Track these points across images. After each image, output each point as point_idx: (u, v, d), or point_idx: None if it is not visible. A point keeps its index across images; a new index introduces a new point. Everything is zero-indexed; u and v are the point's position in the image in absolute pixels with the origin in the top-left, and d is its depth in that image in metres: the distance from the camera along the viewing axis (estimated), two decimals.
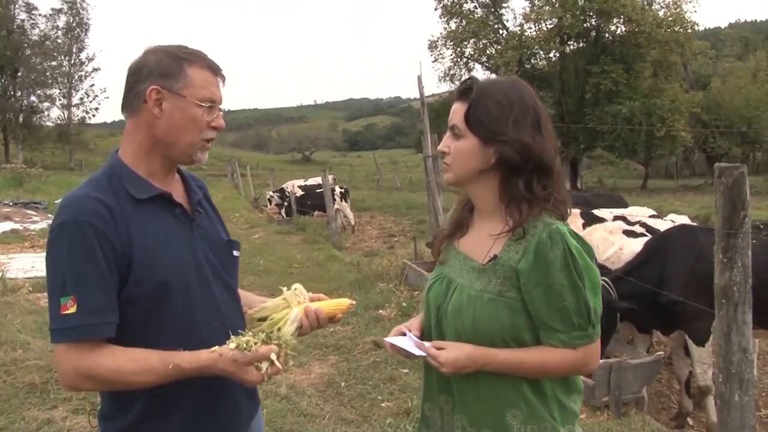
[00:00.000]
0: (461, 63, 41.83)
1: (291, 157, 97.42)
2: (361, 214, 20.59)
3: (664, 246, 4.85)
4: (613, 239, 5.49)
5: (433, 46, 41.95)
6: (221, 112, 1.77)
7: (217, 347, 1.59)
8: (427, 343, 1.71)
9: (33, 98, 48.89)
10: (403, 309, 6.97)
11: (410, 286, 8.13)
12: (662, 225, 5.64)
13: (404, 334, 1.78)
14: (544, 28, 38.59)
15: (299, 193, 17.70)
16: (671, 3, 37.58)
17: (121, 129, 1.80)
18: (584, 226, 5.91)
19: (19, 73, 47.43)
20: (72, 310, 1.53)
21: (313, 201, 16.84)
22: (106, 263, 1.57)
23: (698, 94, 40.35)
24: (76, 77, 51.44)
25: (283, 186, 19.38)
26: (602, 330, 1.69)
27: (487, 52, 40.75)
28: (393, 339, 1.77)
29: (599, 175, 50.02)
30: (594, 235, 5.55)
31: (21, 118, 46.85)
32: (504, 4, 41.09)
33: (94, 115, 52.51)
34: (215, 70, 1.75)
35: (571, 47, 40.14)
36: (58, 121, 50.37)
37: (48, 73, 48.87)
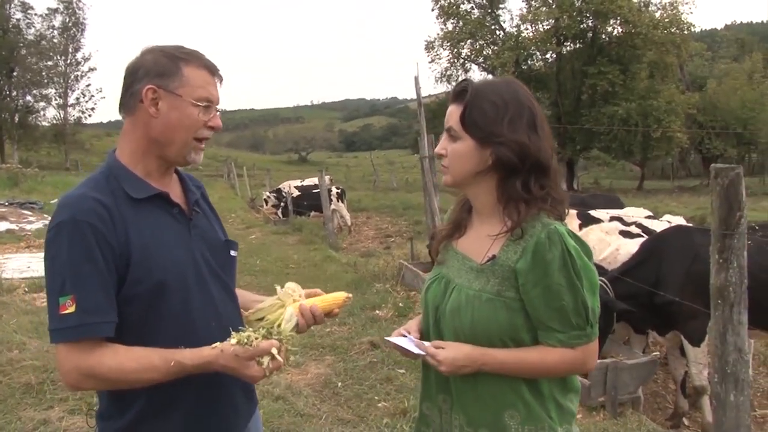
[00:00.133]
0: (458, 64, 41.89)
1: (287, 157, 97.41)
2: (358, 214, 20.60)
3: (660, 247, 4.87)
4: (609, 240, 5.50)
5: (429, 46, 42.00)
6: (218, 112, 1.77)
7: (218, 343, 1.59)
8: (426, 343, 1.72)
9: (29, 98, 48.75)
10: (399, 309, 6.97)
11: (407, 286, 8.13)
12: (658, 226, 5.65)
13: (405, 337, 1.80)
14: (541, 29, 38.66)
15: (296, 193, 17.71)
16: (668, 4, 37.66)
17: (117, 129, 1.81)
18: (581, 226, 5.92)
19: (15, 73, 47.28)
20: (71, 309, 1.53)
21: (309, 201, 16.84)
22: (105, 263, 1.57)
23: (694, 95, 40.42)
24: (72, 77, 51.31)
25: (280, 186, 19.39)
26: (599, 330, 1.70)
27: (484, 53, 40.79)
28: (394, 339, 1.78)
29: (595, 176, 50.13)
30: (590, 235, 5.56)
31: (17, 118, 46.73)
32: (501, 5, 41.19)
33: (90, 115, 52.48)
34: (212, 70, 1.76)
35: (568, 48, 40.21)
36: (54, 121, 50.22)
37: (44, 73, 48.71)
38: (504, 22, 41.90)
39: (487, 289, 1.67)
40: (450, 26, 41.07)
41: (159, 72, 1.68)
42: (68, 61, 51.05)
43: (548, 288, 1.59)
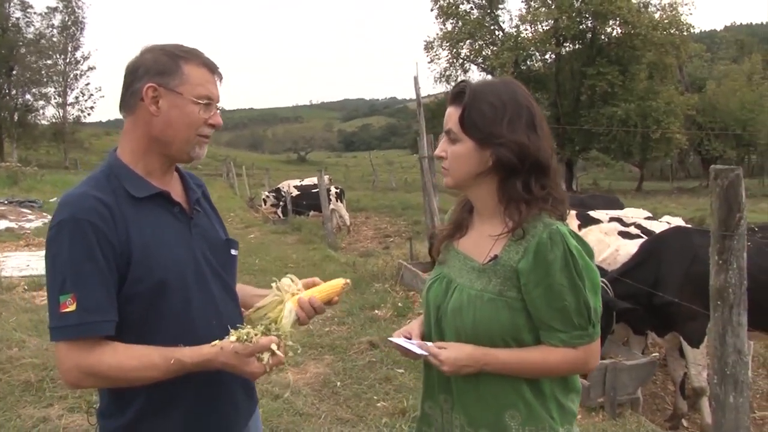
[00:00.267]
0: (457, 64, 41.85)
1: (286, 157, 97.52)
2: (357, 214, 20.60)
3: (659, 248, 4.87)
4: (608, 241, 5.50)
5: (429, 47, 41.97)
6: (218, 110, 1.77)
7: (217, 341, 1.60)
8: (428, 343, 1.73)
9: (28, 97, 48.77)
10: (398, 309, 6.97)
11: (406, 286, 8.13)
12: (657, 227, 5.65)
13: (408, 338, 1.80)
14: (540, 30, 38.61)
15: (295, 193, 17.70)
16: (667, 5, 37.62)
17: (117, 128, 1.81)
18: (580, 227, 5.92)
19: (14, 72, 47.30)
20: (71, 308, 1.53)
21: (308, 201, 16.84)
22: (106, 261, 1.57)
23: (693, 96, 40.41)
24: (72, 76, 51.31)
25: (279, 186, 19.38)
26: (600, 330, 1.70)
27: (483, 53, 40.74)
28: (396, 339, 1.79)
29: (594, 177, 50.17)
30: (589, 236, 5.55)
31: (16, 117, 46.74)
32: (500, 6, 41.12)
33: (89, 114, 52.40)
34: (212, 68, 1.76)
35: (567, 49, 40.19)
36: (53, 120, 50.21)
37: (43, 72, 48.72)
38: (503, 22, 41.86)
39: (489, 289, 1.67)
40: (449, 26, 41.04)
41: (159, 70, 1.68)
42: (67, 60, 51.06)
43: (550, 288, 1.59)
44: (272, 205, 18.58)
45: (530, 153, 1.65)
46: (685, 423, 5.01)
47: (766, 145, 43.33)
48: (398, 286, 8.20)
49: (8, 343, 5.48)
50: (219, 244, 1.86)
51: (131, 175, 1.70)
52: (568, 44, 39.87)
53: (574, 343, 1.63)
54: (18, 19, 48.65)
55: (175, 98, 1.68)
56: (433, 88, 42.98)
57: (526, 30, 39.67)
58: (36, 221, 14.07)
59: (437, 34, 41.42)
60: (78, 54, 51.80)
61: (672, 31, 36.52)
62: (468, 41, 40.75)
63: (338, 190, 17.10)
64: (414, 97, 8.88)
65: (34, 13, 49.46)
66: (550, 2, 37.76)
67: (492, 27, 41.21)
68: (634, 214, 6.47)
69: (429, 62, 42.65)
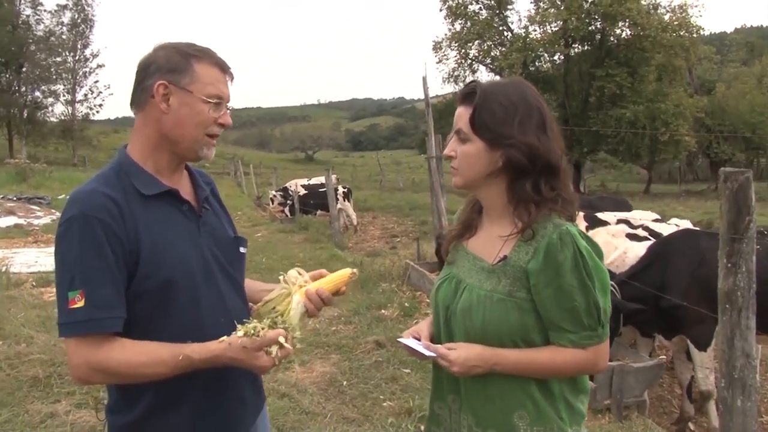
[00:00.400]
0: (465, 64, 41.78)
1: (294, 156, 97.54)
2: (364, 214, 20.59)
3: (666, 250, 4.85)
4: (615, 243, 5.48)
5: (437, 47, 41.93)
6: (228, 110, 1.78)
7: (225, 337, 1.60)
8: (437, 345, 1.73)
9: (37, 94, 48.87)
10: (405, 309, 6.97)
11: (412, 286, 8.13)
12: (665, 229, 5.63)
13: (417, 338, 1.80)
14: (549, 31, 38.50)
15: (302, 192, 17.71)
16: (677, 7, 37.41)
17: (125, 126, 1.82)
18: (587, 228, 5.91)
19: (24, 69, 47.45)
20: (80, 304, 1.54)
21: (316, 200, 16.84)
22: (115, 258, 1.58)
23: (703, 98, 40.17)
24: (81, 73, 51.42)
25: (287, 185, 19.39)
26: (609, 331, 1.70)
27: (492, 53, 40.67)
28: (405, 340, 1.79)
29: (602, 179, 50.00)
30: (596, 238, 5.53)
31: (25, 114, 46.87)
32: (509, 6, 41.01)
33: (98, 112, 52.56)
34: (223, 68, 1.76)
35: (576, 50, 40.06)
36: (62, 117, 50.36)
37: (52, 69, 48.84)
38: (512, 23, 41.73)
39: (499, 290, 1.67)
40: (458, 27, 40.97)
41: (171, 68, 1.68)
42: (77, 58, 51.17)
43: (560, 288, 1.59)
44: (279, 204, 18.57)
45: (540, 154, 1.65)
46: (692, 426, 4.99)
47: None
48: (405, 286, 8.21)
49: (16, 339, 5.51)
50: (227, 242, 1.86)
51: (140, 173, 1.71)
52: (576, 45, 39.75)
53: (583, 343, 1.63)
54: (28, 16, 48.91)
55: (186, 96, 1.68)
56: (441, 88, 43.02)
57: (535, 31, 39.60)
58: (44, 218, 14.13)
59: (446, 35, 41.41)
60: (87, 51, 51.98)
61: (682, 33, 36.35)
62: (477, 42, 40.69)
63: (345, 190, 17.10)
64: (422, 97, 8.88)
65: (44, 10, 49.70)
66: (559, 3, 37.66)
67: (501, 28, 41.13)
68: (642, 216, 6.45)
69: (437, 62, 42.63)
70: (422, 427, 4.04)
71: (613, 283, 4.54)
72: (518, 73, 35.70)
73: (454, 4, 40.53)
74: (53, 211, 14.91)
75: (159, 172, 1.74)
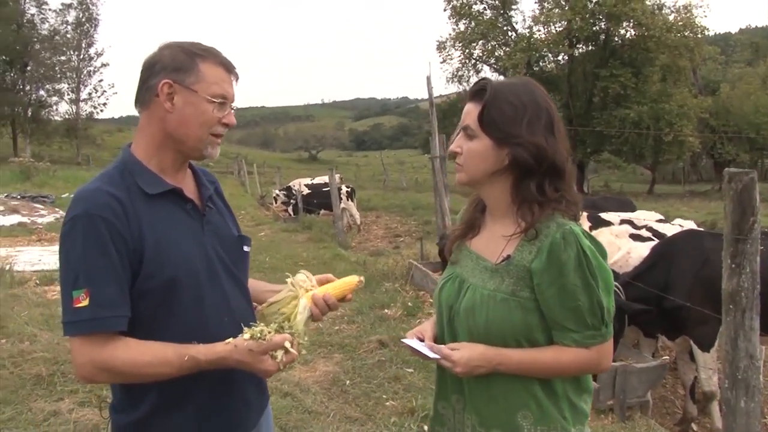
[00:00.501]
0: (469, 64, 41.79)
1: (297, 155, 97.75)
2: (367, 213, 20.60)
3: (670, 251, 4.84)
4: (619, 243, 5.47)
5: (441, 47, 41.93)
6: (233, 110, 1.78)
7: (231, 339, 1.60)
8: (440, 346, 1.73)
9: (42, 92, 49.06)
10: (408, 309, 6.97)
11: (416, 286, 8.13)
12: (669, 229, 5.63)
13: (421, 341, 1.80)
14: (553, 31, 38.50)
15: (306, 191, 17.73)
16: (681, 8, 37.40)
17: (129, 124, 1.82)
18: (591, 229, 5.90)
19: (29, 68, 47.60)
20: (84, 303, 1.54)
21: (319, 200, 16.86)
22: (119, 257, 1.58)
23: (707, 99, 40.11)
24: (85, 72, 51.64)
25: (290, 184, 19.42)
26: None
27: (496, 53, 40.68)
28: (408, 341, 1.79)
29: (606, 179, 49.95)
30: (600, 238, 5.52)
31: (29, 112, 47.00)
32: (513, 6, 41.01)
33: (102, 111, 52.80)
34: (228, 68, 1.76)
35: (580, 50, 40.01)
36: (66, 116, 50.57)
37: (57, 68, 49.01)
38: (516, 23, 41.78)
39: (502, 289, 1.67)
40: (462, 27, 40.99)
41: (176, 67, 1.69)
42: (81, 57, 51.37)
43: (563, 288, 1.59)
44: (283, 203, 18.60)
45: (547, 155, 1.65)
46: (695, 427, 4.99)
47: None
48: (408, 285, 8.21)
49: (20, 337, 5.52)
50: (231, 241, 1.86)
51: (144, 172, 1.71)
52: (581, 46, 39.71)
53: (587, 343, 1.63)
54: (33, 15, 49.19)
55: (190, 96, 1.68)
56: (445, 88, 42.94)
57: (539, 31, 39.61)
58: (48, 216, 14.14)
59: (450, 35, 41.44)
60: (92, 50, 52.22)
61: (686, 34, 36.30)
62: (481, 42, 40.69)
63: (349, 189, 17.12)
64: (426, 96, 8.88)
65: (49, 9, 50.04)
66: (563, 3, 37.63)
67: (505, 28, 41.11)
68: (646, 216, 6.44)
69: (441, 62, 42.73)
70: (425, 427, 4.04)
71: (617, 284, 4.54)
72: (522, 73, 35.66)
73: (458, 4, 40.55)
74: (57, 209, 14.92)
75: (163, 171, 1.74)
